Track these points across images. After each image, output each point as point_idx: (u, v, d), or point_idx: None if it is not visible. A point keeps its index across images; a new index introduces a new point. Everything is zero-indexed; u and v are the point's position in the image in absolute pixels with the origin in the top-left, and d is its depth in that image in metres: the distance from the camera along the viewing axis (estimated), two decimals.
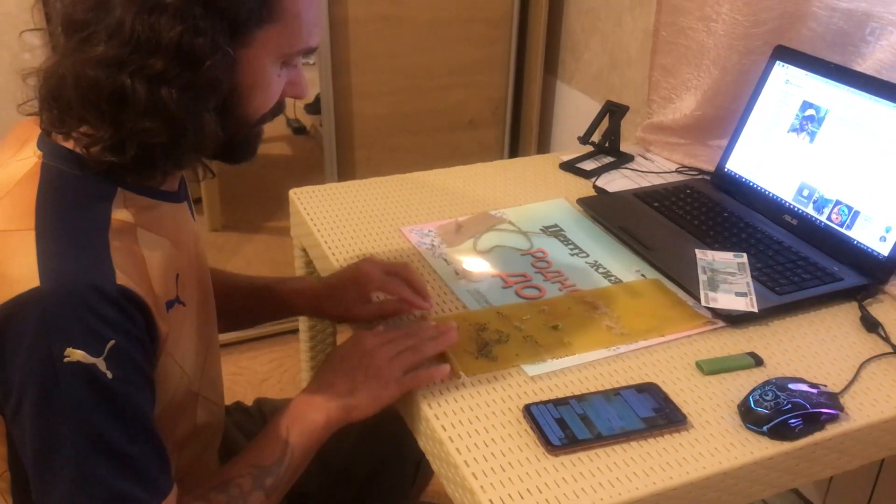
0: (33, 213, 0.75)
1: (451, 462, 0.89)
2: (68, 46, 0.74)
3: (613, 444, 0.90)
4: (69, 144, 0.79)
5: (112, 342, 0.72)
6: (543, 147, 2.51)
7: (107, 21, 0.72)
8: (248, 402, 1.27)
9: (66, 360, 0.70)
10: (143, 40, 0.71)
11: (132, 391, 0.75)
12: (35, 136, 0.81)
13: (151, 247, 0.80)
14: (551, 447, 0.88)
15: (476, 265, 1.23)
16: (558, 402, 0.94)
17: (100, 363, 0.72)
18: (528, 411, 0.93)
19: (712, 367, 1.02)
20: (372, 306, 1.08)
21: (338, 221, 1.34)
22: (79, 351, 0.71)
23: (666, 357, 1.05)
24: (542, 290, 1.18)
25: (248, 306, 1.16)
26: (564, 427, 0.91)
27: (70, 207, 0.77)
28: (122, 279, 0.74)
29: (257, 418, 1.21)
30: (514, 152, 2.50)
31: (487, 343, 1.05)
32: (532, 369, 1.01)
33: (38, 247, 0.72)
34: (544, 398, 0.96)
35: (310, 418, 0.92)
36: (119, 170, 0.78)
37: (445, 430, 0.91)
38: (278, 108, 0.87)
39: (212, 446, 1.02)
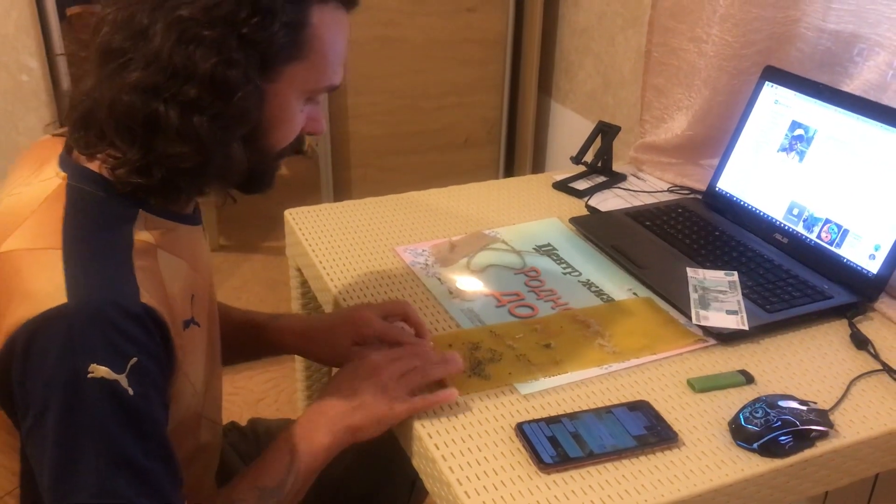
0: (60, 232, 0.77)
1: (443, 481, 0.89)
2: (104, 72, 0.77)
3: (605, 462, 0.90)
4: (93, 166, 0.82)
5: (134, 359, 0.74)
6: (538, 166, 2.53)
7: (144, 49, 0.75)
8: (243, 422, 1.28)
9: (90, 375, 0.72)
10: (180, 69, 0.75)
11: (151, 408, 0.77)
12: (54, 156, 0.84)
13: (171, 268, 0.83)
14: (543, 465, 0.89)
15: (469, 284, 1.24)
16: (550, 421, 0.95)
17: (122, 379, 0.73)
18: (521, 430, 0.93)
19: (703, 385, 1.03)
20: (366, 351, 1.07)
21: (333, 241, 1.35)
22: (103, 367, 0.72)
23: (657, 375, 1.05)
24: (535, 309, 1.19)
25: (237, 340, 1.13)
26: (556, 445, 0.91)
27: (95, 228, 0.79)
28: (144, 297, 0.76)
29: (251, 439, 1.22)
30: (508, 171, 2.52)
31: (480, 362, 1.06)
32: (525, 388, 1.02)
33: (65, 265, 0.75)
34: (537, 416, 0.97)
35: (315, 439, 0.92)
36: (143, 192, 0.81)
37: (438, 448, 0.92)
38: (298, 144, 0.90)
39: (211, 468, 1.02)
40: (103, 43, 0.78)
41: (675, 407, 1.00)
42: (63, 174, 0.82)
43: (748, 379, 1.04)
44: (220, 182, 0.85)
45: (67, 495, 0.74)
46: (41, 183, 0.82)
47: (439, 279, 1.26)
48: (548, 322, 1.16)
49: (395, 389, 0.95)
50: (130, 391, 0.74)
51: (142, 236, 0.81)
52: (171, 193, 0.82)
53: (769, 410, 0.94)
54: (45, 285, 0.74)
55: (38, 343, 0.72)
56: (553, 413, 0.98)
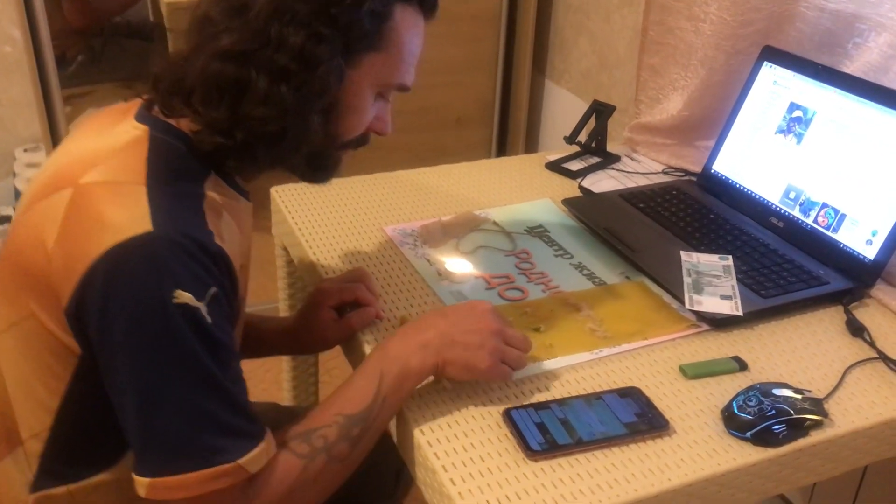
0: (144, 170, 0.80)
1: (428, 467, 0.87)
2: (199, 40, 0.82)
3: (595, 450, 0.88)
4: (174, 122, 0.85)
5: (213, 290, 0.78)
6: (531, 146, 2.49)
7: (240, 20, 0.80)
8: None
9: (174, 300, 0.75)
10: (273, 38, 0.80)
11: (226, 339, 0.80)
12: (129, 115, 0.87)
13: (230, 231, 0.86)
14: (531, 452, 0.86)
15: (459, 266, 1.21)
16: (539, 407, 0.93)
17: (202, 307, 0.76)
18: (508, 415, 0.91)
19: (696, 372, 1.01)
20: (342, 322, 1.06)
21: (320, 220, 1.32)
22: (187, 294, 0.75)
23: (649, 361, 1.03)
24: (526, 292, 1.16)
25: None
26: (545, 432, 0.89)
27: (176, 174, 0.83)
28: (218, 241, 0.81)
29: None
30: (501, 151, 2.49)
31: None
32: (517, 373, 0.99)
33: (150, 198, 0.78)
34: (525, 402, 0.94)
35: (410, 363, 0.89)
36: (222, 153, 0.84)
37: (424, 434, 0.90)
38: (363, 139, 0.95)
39: None
40: (201, 13, 0.83)
41: (666, 394, 0.97)
42: (143, 126, 0.85)
43: (742, 366, 1.02)
44: (293, 154, 0.87)
45: (156, 416, 0.76)
46: (119, 133, 0.85)
47: (428, 260, 1.23)
48: (538, 305, 1.13)
49: (494, 350, 0.91)
50: (209, 319, 0.77)
51: (212, 194, 0.85)
52: (247, 158, 0.85)
53: (763, 399, 0.92)
54: (130, 215, 0.76)
55: (123, 269, 0.75)
56: (542, 399, 0.95)
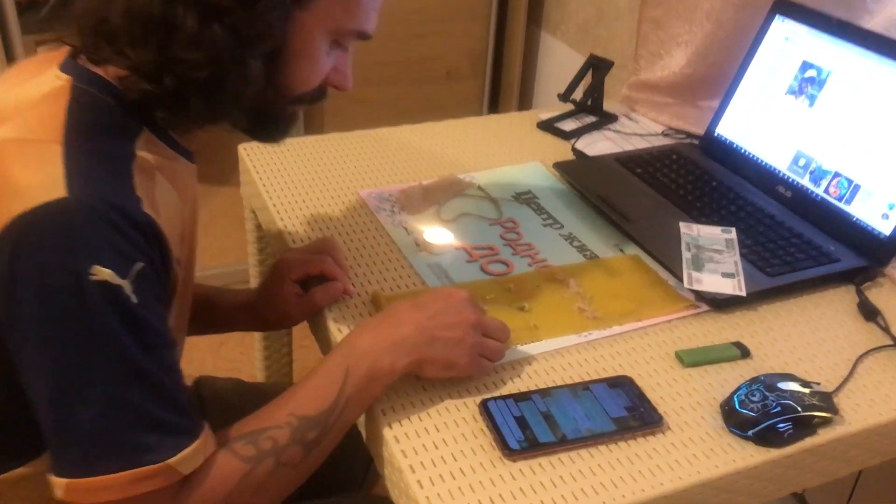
0: (62, 127, 0.70)
1: (395, 465, 0.78)
2: None
3: (579, 449, 0.79)
4: (101, 71, 0.75)
5: (140, 265, 0.68)
6: (525, 102, 2.38)
7: None
8: (205, 365, 1.17)
9: (91, 277, 0.65)
10: None
11: (155, 321, 0.70)
12: (54, 64, 0.76)
13: (165, 196, 0.77)
14: (509, 451, 0.78)
15: (439, 236, 1.11)
16: (519, 398, 0.84)
17: (126, 285, 0.67)
18: (485, 408, 0.82)
19: (694, 359, 0.92)
20: (306, 298, 0.96)
21: (290, 181, 1.22)
22: (106, 270, 0.66)
23: (642, 345, 0.94)
24: (510, 266, 1.07)
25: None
26: (525, 427, 0.80)
27: (99, 131, 0.73)
28: (147, 209, 0.71)
29: (194, 403, 1.10)
30: (493, 107, 2.37)
31: None
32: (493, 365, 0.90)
33: (66, 159, 0.68)
34: (504, 392, 0.86)
35: (379, 362, 0.79)
36: (152, 102, 0.73)
37: (391, 428, 0.81)
38: (319, 94, 0.84)
39: None
40: None
41: (660, 383, 0.89)
42: (66, 76, 0.74)
43: (744, 353, 0.93)
44: (233, 107, 0.76)
45: (74, 410, 0.66)
46: (40, 84, 0.74)
47: (405, 229, 1.13)
48: (523, 281, 1.04)
49: (475, 345, 0.83)
50: (134, 299, 0.67)
51: (143, 154, 0.75)
52: (180, 110, 0.74)
53: (768, 393, 0.83)
54: (42, 178, 0.66)
55: (31, 240, 0.65)
56: (523, 387, 0.87)
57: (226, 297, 1.06)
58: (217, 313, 1.05)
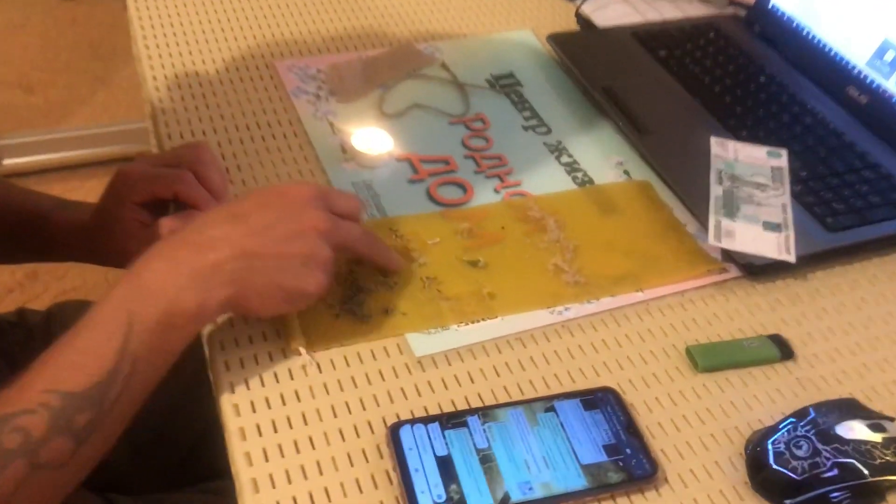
0: None
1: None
2: None
3: None
4: None
5: None
6: None
7: None
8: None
9: None
10: None
11: None
12: None
13: None
14: None
15: (375, 139, 0.80)
16: (450, 421, 0.56)
17: None
18: (395, 438, 0.55)
19: (711, 361, 0.64)
20: (152, 231, 0.66)
21: (181, 42, 0.89)
22: None
23: (639, 331, 0.66)
24: (469, 191, 0.76)
25: (16, 231, 0.76)
26: (450, 477, 0.53)
27: None
28: None
29: (38, 334, 0.83)
30: None
31: (360, 288, 0.66)
32: (420, 345, 0.62)
33: None
34: (430, 406, 0.58)
35: (179, 301, 0.53)
36: None
37: (251, 459, 0.54)
38: None
39: None
40: None
41: (660, 400, 0.61)
42: None
43: (784, 353, 0.65)
44: None
45: None
46: None
47: (331, 124, 0.82)
48: (483, 216, 0.74)
49: (328, 262, 0.57)
50: None
51: None
52: None
53: (820, 445, 0.55)
54: None
55: None
56: (458, 400, 0.59)
57: (66, 216, 0.76)
58: (53, 235, 0.76)
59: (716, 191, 0.76)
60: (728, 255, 0.72)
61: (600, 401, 0.59)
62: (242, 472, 0.54)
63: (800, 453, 0.55)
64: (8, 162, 1.87)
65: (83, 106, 2.10)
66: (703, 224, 0.73)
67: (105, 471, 0.78)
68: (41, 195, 0.79)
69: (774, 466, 0.55)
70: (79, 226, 0.74)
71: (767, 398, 0.62)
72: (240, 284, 0.54)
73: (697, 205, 0.75)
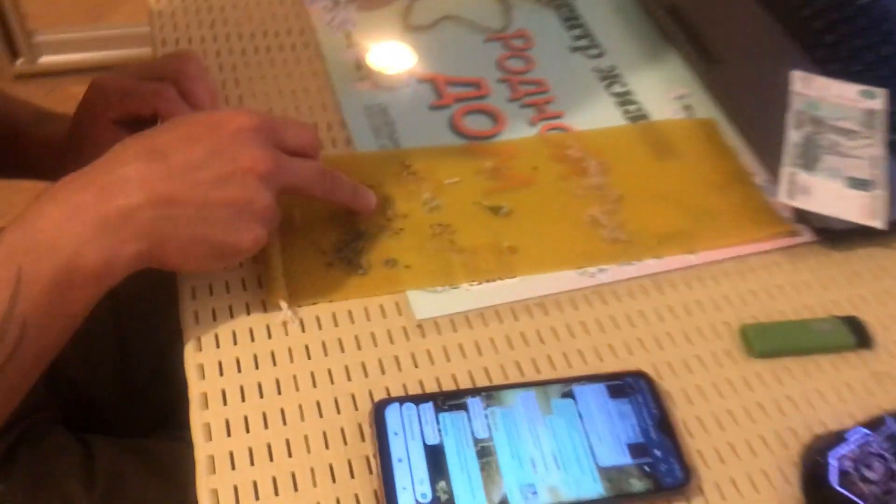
0: None
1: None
2: None
3: None
4: None
5: None
6: None
7: None
8: None
9: None
10: None
11: None
12: None
13: None
14: None
15: (396, 56, 0.69)
16: (446, 402, 0.48)
17: None
18: (379, 420, 0.46)
19: (771, 345, 0.53)
20: None
21: None
22: None
23: (687, 302, 0.55)
24: (500, 121, 0.66)
25: None
26: (439, 471, 0.45)
27: None
28: None
29: None
30: None
31: (360, 233, 0.56)
32: (423, 305, 0.53)
33: None
34: (426, 380, 0.49)
35: (80, 257, 0.43)
36: None
37: (210, 432, 0.46)
38: None
39: None
40: None
41: (704, 392, 0.51)
42: None
43: (861, 339, 0.54)
44: None
45: None
46: None
47: (348, 35, 0.71)
48: (513, 153, 0.63)
49: (267, 210, 0.47)
50: None
51: None
52: None
53: None
54: None
55: None
56: (460, 373, 0.50)
57: (40, 131, 0.68)
58: (25, 152, 0.68)
59: (793, 136, 0.64)
60: (801, 216, 0.60)
61: (630, 387, 0.49)
62: (200, 448, 0.46)
63: (871, 475, 0.45)
64: (45, 59, 1.80)
65: (125, 3, 2.02)
66: (775, 176, 0.61)
67: (92, 412, 0.72)
68: (22, 105, 0.71)
69: (837, 488, 0.45)
70: (54, 143, 0.66)
71: (835, 395, 0.51)
72: (155, 237, 0.44)
73: (769, 152, 0.63)
